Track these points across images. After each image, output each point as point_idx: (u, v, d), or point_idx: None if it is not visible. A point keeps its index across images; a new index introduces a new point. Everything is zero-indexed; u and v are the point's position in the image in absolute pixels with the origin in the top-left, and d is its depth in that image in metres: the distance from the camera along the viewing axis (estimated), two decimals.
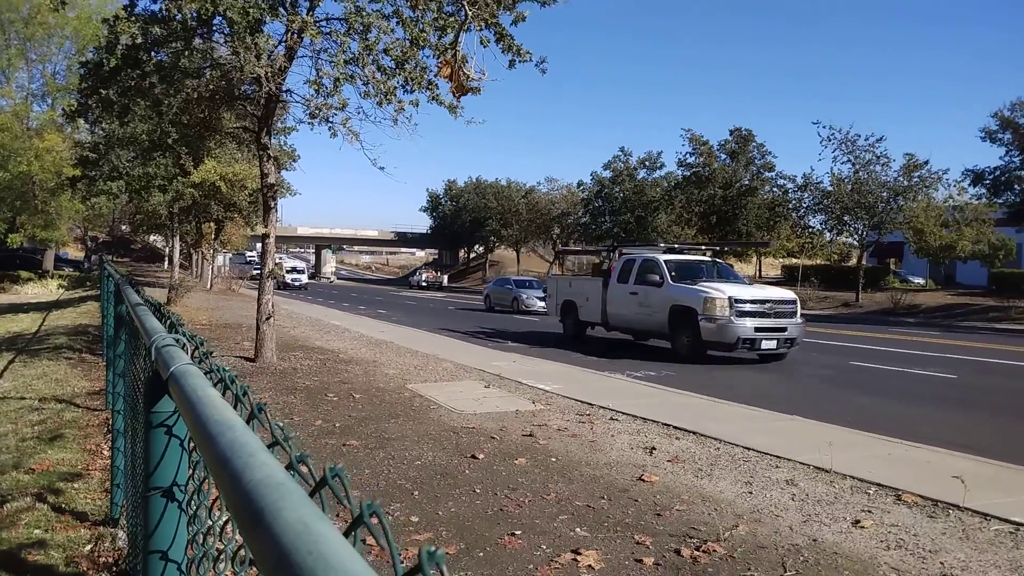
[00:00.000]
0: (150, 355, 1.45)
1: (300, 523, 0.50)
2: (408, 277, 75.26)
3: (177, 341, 1.42)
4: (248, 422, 0.85)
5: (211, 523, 1.23)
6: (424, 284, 64.19)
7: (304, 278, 55.85)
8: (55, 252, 47.11)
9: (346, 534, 0.50)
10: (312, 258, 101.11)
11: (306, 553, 0.45)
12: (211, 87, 10.18)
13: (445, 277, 69.54)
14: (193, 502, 1.34)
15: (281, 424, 0.82)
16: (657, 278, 15.15)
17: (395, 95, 9.02)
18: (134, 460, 2.59)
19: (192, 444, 1.32)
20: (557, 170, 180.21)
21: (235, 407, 0.93)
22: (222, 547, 1.15)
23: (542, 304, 26.89)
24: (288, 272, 54.44)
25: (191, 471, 1.36)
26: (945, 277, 47.37)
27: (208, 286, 37.73)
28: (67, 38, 40.46)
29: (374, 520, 0.48)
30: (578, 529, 4.68)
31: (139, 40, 8.09)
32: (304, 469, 0.70)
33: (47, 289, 37.24)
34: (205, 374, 1.15)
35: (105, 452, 6.05)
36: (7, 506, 4.82)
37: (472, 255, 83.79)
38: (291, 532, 0.48)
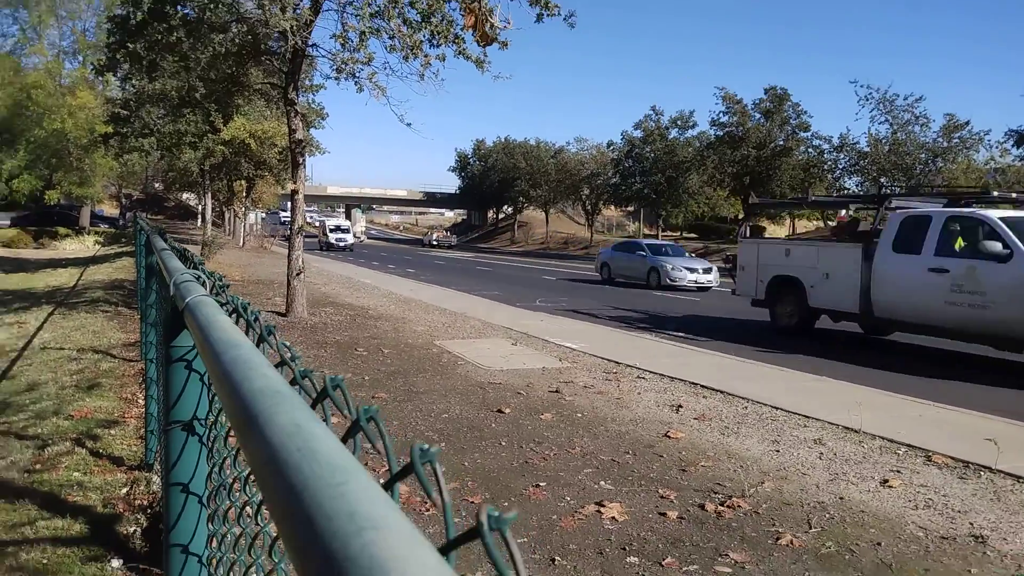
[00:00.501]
0: (170, 292, 1.44)
1: (292, 424, 0.48)
2: (423, 238, 76.66)
3: (197, 278, 1.41)
4: (258, 345, 0.83)
5: (226, 454, 1.23)
6: (435, 243, 68.27)
7: (350, 238, 50.54)
8: (91, 209, 47.92)
9: (344, 439, 0.48)
10: (342, 218, 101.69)
11: (295, 449, 0.43)
12: (237, 42, 10.14)
13: (454, 237, 74.50)
14: (212, 434, 1.34)
15: (288, 344, 0.80)
16: (999, 247, 9.35)
17: (421, 49, 8.91)
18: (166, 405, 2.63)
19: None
20: (587, 130, 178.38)
21: (247, 332, 0.91)
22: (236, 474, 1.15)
23: (693, 277, 22.00)
24: (331, 231, 49.96)
25: (211, 405, 1.36)
26: None
27: (241, 243, 38.18)
28: None
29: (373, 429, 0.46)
30: (602, 482, 4.70)
31: None
32: (308, 384, 0.68)
33: (84, 245, 38.01)
34: (221, 305, 1.14)
35: (140, 401, 6.19)
36: (48, 450, 4.98)
37: (501, 216, 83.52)
38: (283, 432, 0.47)
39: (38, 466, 4.68)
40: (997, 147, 36.83)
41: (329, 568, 0.31)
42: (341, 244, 48.84)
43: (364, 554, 0.31)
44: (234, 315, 1.08)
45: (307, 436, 0.45)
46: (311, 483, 0.38)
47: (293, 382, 0.67)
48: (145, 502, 4.15)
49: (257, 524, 0.94)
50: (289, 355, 0.76)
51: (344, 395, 0.59)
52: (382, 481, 0.42)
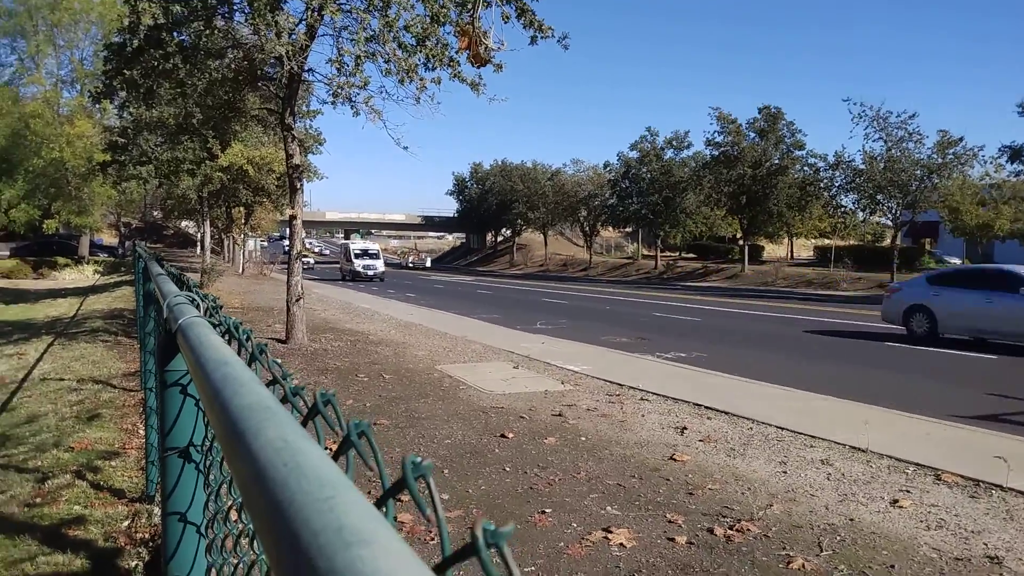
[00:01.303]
0: (164, 315, 1.41)
1: (280, 440, 0.44)
2: (401, 261, 79.03)
3: (191, 300, 1.38)
4: (250, 364, 0.80)
5: (223, 479, 1.19)
6: (411, 265, 69.67)
7: (380, 265, 41.68)
8: (90, 238, 47.93)
9: (336, 456, 0.45)
10: (341, 242, 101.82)
11: (281, 464, 0.40)
12: (233, 67, 10.20)
13: (428, 259, 76.69)
14: (208, 461, 1.30)
15: (279, 361, 0.77)
16: None
17: (417, 72, 8.95)
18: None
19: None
20: (583, 152, 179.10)
21: (239, 352, 0.88)
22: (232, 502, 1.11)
23: None
24: (357, 257, 41.48)
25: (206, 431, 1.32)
26: (983, 257, 46.18)
27: (240, 270, 38.18)
28: (93, 23, 40.92)
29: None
30: (609, 507, 4.62)
31: (160, 20, 8.10)
32: (300, 402, 0.64)
33: (83, 275, 37.97)
34: (214, 327, 1.10)
35: (141, 431, 6.13)
36: (48, 483, 4.91)
37: (499, 239, 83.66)
38: (270, 448, 0.43)
39: (38, 500, 4.61)
40: (991, 163, 37.00)
41: None
42: (370, 273, 40.52)
43: (352, 569, 0.27)
44: (227, 336, 1.05)
45: (295, 451, 0.42)
46: (298, 498, 0.35)
47: (284, 400, 0.63)
48: (147, 535, 4.08)
49: (254, 552, 0.90)
50: (280, 373, 0.73)
51: (335, 411, 0.56)
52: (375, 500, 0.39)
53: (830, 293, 35.50)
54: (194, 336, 0.98)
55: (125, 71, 8.95)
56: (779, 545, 4.05)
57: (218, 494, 1.16)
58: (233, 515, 1.08)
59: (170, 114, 14.32)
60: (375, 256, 42.34)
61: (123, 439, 6.04)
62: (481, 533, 0.29)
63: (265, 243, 71.03)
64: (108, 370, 9.27)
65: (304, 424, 0.55)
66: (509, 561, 0.29)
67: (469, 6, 8.52)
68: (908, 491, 4.99)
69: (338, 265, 48.24)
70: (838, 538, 4.17)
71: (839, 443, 6.17)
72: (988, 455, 5.63)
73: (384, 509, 0.38)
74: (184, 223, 58.47)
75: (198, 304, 1.37)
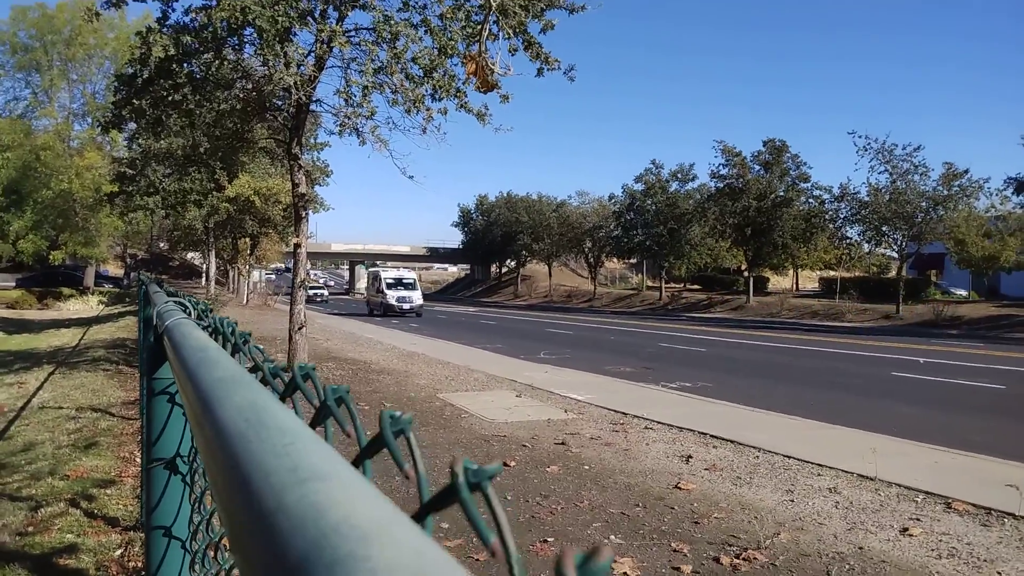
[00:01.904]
0: (153, 321, 1.38)
1: (247, 402, 0.42)
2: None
3: (180, 306, 1.35)
4: (233, 354, 0.77)
5: (205, 486, 1.15)
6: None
7: (418, 297, 35.25)
8: (95, 269, 48.17)
9: (313, 425, 0.41)
10: (346, 274, 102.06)
11: (242, 420, 0.37)
12: (242, 97, 10.29)
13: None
14: (195, 475, 1.26)
15: (262, 348, 0.74)
16: None
17: (423, 103, 9.01)
18: None
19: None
20: (588, 184, 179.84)
21: (225, 347, 0.85)
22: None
23: None
24: (390, 288, 35.06)
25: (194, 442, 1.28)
26: (989, 289, 46.01)
27: (244, 301, 38.21)
28: (106, 58, 41.66)
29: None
30: (613, 536, 4.53)
31: (171, 51, 8.20)
32: (279, 383, 0.61)
33: (88, 305, 38.03)
34: (203, 328, 1.08)
35: (137, 459, 6.07)
36: (42, 511, 4.85)
37: (504, 270, 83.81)
38: (234, 409, 0.40)
39: (31, 528, 4.54)
40: (997, 195, 37.03)
41: (254, 525, 0.24)
42: (406, 307, 34.05)
43: (302, 504, 0.24)
44: (215, 335, 1.02)
45: (259, 409, 0.39)
46: (254, 446, 0.32)
47: (264, 381, 0.61)
48: (139, 564, 4.01)
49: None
50: (262, 358, 0.70)
51: (315, 384, 0.52)
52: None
53: (836, 324, 35.35)
54: (179, 334, 0.95)
55: (134, 100, 9.04)
56: (787, 574, 3.96)
57: (202, 502, 1.12)
58: (216, 522, 1.04)
59: (178, 145, 14.45)
60: (411, 287, 35.43)
61: (119, 467, 5.98)
62: (462, 473, 0.26)
63: (272, 275, 71.22)
64: (108, 398, 9.22)
65: (283, 399, 0.52)
66: (495, 504, 0.26)
67: (476, 36, 8.61)
68: (918, 519, 4.89)
69: (360, 297, 42.75)
70: (847, 567, 4.07)
71: (847, 471, 6.07)
72: (999, 483, 5.53)
73: (362, 469, 0.34)
74: (190, 254, 58.74)
75: (188, 311, 1.34)
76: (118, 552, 4.16)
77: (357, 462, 0.36)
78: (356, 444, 0.39)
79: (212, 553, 1.06)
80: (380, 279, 36.27)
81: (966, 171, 35.67)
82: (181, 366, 0.71)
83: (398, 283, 35.52)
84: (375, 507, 0.24)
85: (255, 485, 0.27)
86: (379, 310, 34.91)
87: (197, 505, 1.17)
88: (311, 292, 60.71)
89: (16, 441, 7.06)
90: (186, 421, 1.28)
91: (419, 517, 0.28)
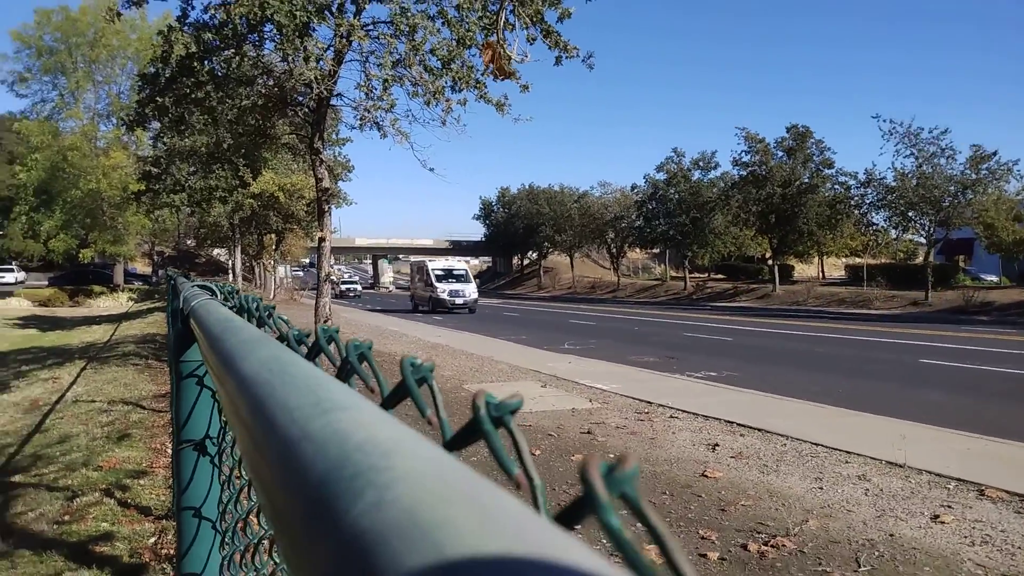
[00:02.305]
0: (180, 305, 1.40)
1: (270, 356, 0.42)
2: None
3: (207, 290, 1.37)
4: (259, 327, 0.78)
5: (232, 464, 1.16)
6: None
7: (472, 290, 31.76)
8: (124, 267, 48.95)
9: (339, 377, 0.42)
10: (370, 268, 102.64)
11: (267, 371, 0.37)
12: (263, 93, 10.38)
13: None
14: (224, 455, 1.28)
15: (286, 318, 0.74)
16: None
17: (443, 94, 9.03)
18: None
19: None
20: (609, 174, 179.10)
21: (250, 321, 0.87)
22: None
23: None
24: (440, 280, 31.45)
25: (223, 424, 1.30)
26: (1020, 274, 45.09)
27: (271, 296, 38.62)
28: (129, 59, 42.24)
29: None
30: (638, 524, 4.52)
31: (192, 49, 8.29)
32: (303, 348, 0.62)
33: (117, 302, 38.68)
34: (230, 308, 1.09)
35: (168, 450, 6.17)
36: (77, 501, 4.95)
37: (526, 262, 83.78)
38: (258, 363, 0.41)
39: (67, 517, 4.64)
40: None
41: (280, 457, 0.24)
42: (459, 301, 30.40)
43: (325, 431, 0.24)
44: (242, 313, 1.04)
45: (283, 362, 0.39)
46: (278, 391, 0.32)
47: (288, 344, 0.62)
48: (172, 551, 4.08)
49: (263, 528, 0.87)
50: (287, 329, 0.71)
51: (338, 346, 0.53)
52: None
53: (863, 312, 34.91)
54: (204, 311, 0.97)
55: (158, 99, 9.16)
56: (815, 561, 3.93)
57: (231, 481, 1.13)
58: (244, 500, 1.05)
59: (202, 143, 14.62)
60: (463, 278, 31.75)
61: (151, 458, 6.09)
62: (484, 406, 0.26)
63: (301, 271, 71.57)
64: (139, 392, 9.38)
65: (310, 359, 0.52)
66: (517, 437, 0.26)
67: (493, 25, 8.60)
68: (950, 506, 4.83)
69: (385, 291, 39.35)
70: (877, 554, 4.03)
71: (876, 458, 6.01)
72: None
73: None
74: (216, 251, 59.43)
75: (215, 293, 1.36)
76: (151, 540, 4.24)
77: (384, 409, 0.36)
78: (380, 397, 0.39)
79: (241, 528, 1.08)
80: (427, 270, 32.63)
81: (994, 153, 34.92)
82: (206, 335, 0.72)
83: (449, 275, 31.96)
84: (397, 430, 0.25)
85: (279, 421, 0.27)
86: (428, 305, 31.23)
87: (226, 485, 1.19)
88: (344, 286, 60.55)
89: (52, 434, 7.22)
90: (213, 403, 1.30)
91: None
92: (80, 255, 42.20)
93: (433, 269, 32.51)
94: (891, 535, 4.32)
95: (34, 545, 4.13)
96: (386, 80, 8.67)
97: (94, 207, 39.39)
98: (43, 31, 43.03)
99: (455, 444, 0.29)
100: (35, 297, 37.68)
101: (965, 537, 4.29)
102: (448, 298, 30.44)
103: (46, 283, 43.78)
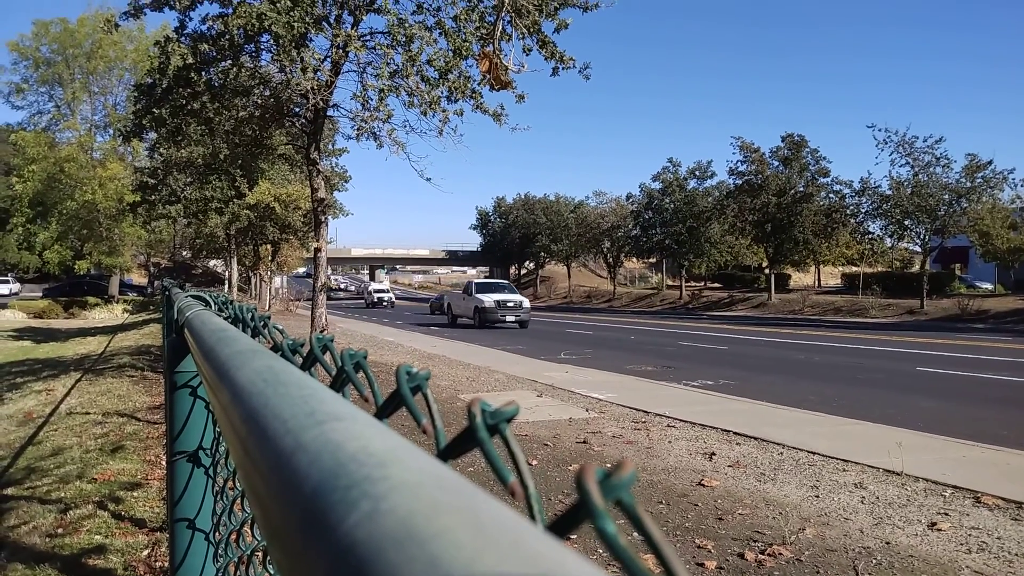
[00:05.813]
0: (174, 315, 1.39)
1: (264, 366, 0.42)
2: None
3: (201, 300, 1.36)
4: (254, 336, 0.78)
5: (227, 476, 1.15)
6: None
7: (524, 301, 27.51)
8: (120, 278, 48.84)
9: (333, 387, 0.42)
10: (366, 278, 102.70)
11: (260, 381, 0.37)
12: (260, 104, 10.40)
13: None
14: (218, 466, 1.27)
15: (280, 327, 0.74)
16: None
17: (439, 105, 9.05)
18: None
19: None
20: (605, 184, 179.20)
21: (244, 331, 0.86)
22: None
23: None
24: (480, 291, 27.52)
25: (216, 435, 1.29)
26: (1015, 282, 45.24)
27: (266, 307, 38.54)
28: (126, 70, 42.31)
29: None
30: (635, 533, 4.49)
31: (189, 60, 8.31)
32: (298, 358, 0.62)
33: (113, 313, 38.56)
34: (224, 318, 1.09)
35: (163, 463, 6.13)
36: (70, 513, 4.92)
37: (523, 272, 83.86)
38: (253, 372, 0.40)
39: (60, 530, 4.61)
40: (1022, 185, 36.48)
41: (277, 463, 0.24)
42: (510, 318, 26.00)
43: (319, 440, 0.24)
44: (237, 323, 1.03)
45: (277, 371, 0.39)
46: (272, 401, 0.32)
47: (283, 355, 0.61)
48: (166, 563, 4.06)
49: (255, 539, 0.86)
50: (281, 338, 0.71)
51: (333, 355, 0.53)
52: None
53: (859, 320, 34.97)
54: (199, 320, 0.96)
55: (154, 110, 9.17)
56: (812, 569, 3.92)
57: (224, 492, 1.13)
58: (238, 511, 1.05)
59: (199, 153, 14.62)
60: (509, 288, 28.14)
61: (146, 470, 6.05)
62: (480, 414, 0.26)
63: (297, 276, 71.13)
64: (133, 404, 9.33)
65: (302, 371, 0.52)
66: (513, 445, 0.26)
67: (490, 36, 8.64)
68: (947, 514, 4.83)
69: (402, 301, 35.37)
70: (874, 561, 4.02)
71: (872, 466, 6.00)
72: None
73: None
74: (212, 262, 59.35)
75: (209, 304, 1.36)
76: (145, 552, 4.22)
77: (378, 418, 0.36)
78: (374, 407, 0.39)
79: (235, 539, 1.07)
80: (471, 285, 29.51)
81: (990, 162, 35.14)
82: (200, 346, 0.72)
83: (493, 287, 28.68)
84: (392, 440, 0.24)
85: (273, 431, 0.27)
86: (480, 319, 26.95)
87: (220, 496, 1.19)
88: (376, 296, 56.55)
89: (45, 446, 7.18)
90: (208, 414, 1.30)
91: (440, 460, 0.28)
92: (76, 267, 42.14)
93: (472, 285, 29.65)
94: (888, 543, 4.31)
95: (27, 558, 4.10)
96: (383, 90, 8.70)
97: (90, 218, 39.35)
98: (40, 42, 43.12)
99: (450, 452, 0.29)
100: (29, 309, 37.56)
101: (962, 544, 4.29)
102: (497, 309, 26.02)
103: (41, 295, 43.68)
